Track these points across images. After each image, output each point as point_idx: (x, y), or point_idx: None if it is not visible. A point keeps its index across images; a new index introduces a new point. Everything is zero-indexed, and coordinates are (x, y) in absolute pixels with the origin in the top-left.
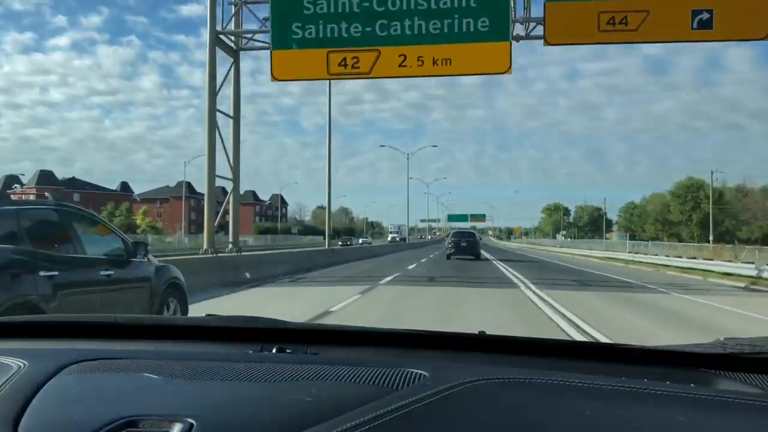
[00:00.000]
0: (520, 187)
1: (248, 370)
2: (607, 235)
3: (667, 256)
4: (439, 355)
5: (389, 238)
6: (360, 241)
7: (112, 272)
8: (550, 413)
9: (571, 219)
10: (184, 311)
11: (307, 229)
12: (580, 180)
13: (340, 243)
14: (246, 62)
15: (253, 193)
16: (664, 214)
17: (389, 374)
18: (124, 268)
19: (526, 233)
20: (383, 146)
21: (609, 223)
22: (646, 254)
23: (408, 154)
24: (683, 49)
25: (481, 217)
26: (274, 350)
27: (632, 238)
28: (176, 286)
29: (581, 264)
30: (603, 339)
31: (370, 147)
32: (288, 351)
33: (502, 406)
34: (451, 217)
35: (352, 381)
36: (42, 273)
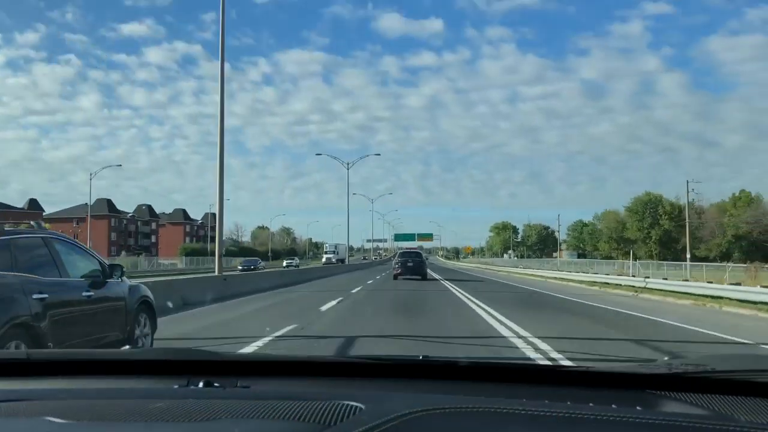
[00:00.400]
0: (464, 207)
1: (169, 408)
2: (555, 254)
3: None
4: (378, 384)
5: (324, 260)
6: (284, 263)
7: (92, 293)
8: None
9: (519, 237)
10: (153, 326)
11: (243, 251)
12: (523, 200)
13: (239, 267)
14: (189, 82)
15: (184, 212)
16: (619, 232)
17: (323, 408)
18: (101, 289)
19: (473, 253)
20: (320, 154)
21: (555, 241)
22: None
23: (348, 164)
24: (618, 74)
25: (429, 237)
26: (200, 384)
27: (582, 256)
28: (147, 304)
29: (559, 290)
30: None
31: (317, 167)
32: (216, 384)
33: None
34: (398, 237)
35: (283, 417)
36: (35, 296)
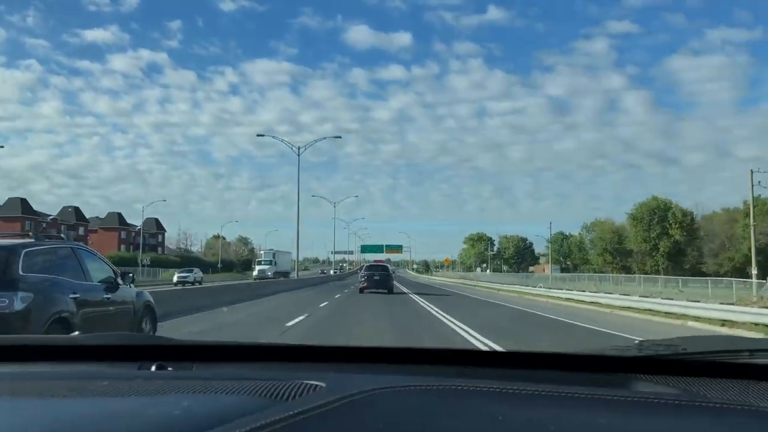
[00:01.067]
0: (433, 221)
1: (115, 387)
2: (532, 269)
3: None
4: (340, 367)
5: (256, 273)
6: (175, 278)
7: (108, 295)
8: (457, 419)
9: (495, 250)
10: (154, 327)
11: (191, 261)
12: (491, 215)
13: (174, 279)
14: (154, 91)
15: (119, 217)
16: (615, 244)
17: (279, 387)
18: (115, 292)
19: (448, 266)
20: (261, 135)
21: (533, 254)
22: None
23: (298, 147)
24: (583, 91)
25: (398, 249)
26: (153, 368)
27: (566, 270)
28: (149, 307)
29: (620, 326)
30: None
31: (284, 179)
32: (169, 369)
33: (405, 413)
34: (365, 248)
35: (234, 393)
36: (70, 295)
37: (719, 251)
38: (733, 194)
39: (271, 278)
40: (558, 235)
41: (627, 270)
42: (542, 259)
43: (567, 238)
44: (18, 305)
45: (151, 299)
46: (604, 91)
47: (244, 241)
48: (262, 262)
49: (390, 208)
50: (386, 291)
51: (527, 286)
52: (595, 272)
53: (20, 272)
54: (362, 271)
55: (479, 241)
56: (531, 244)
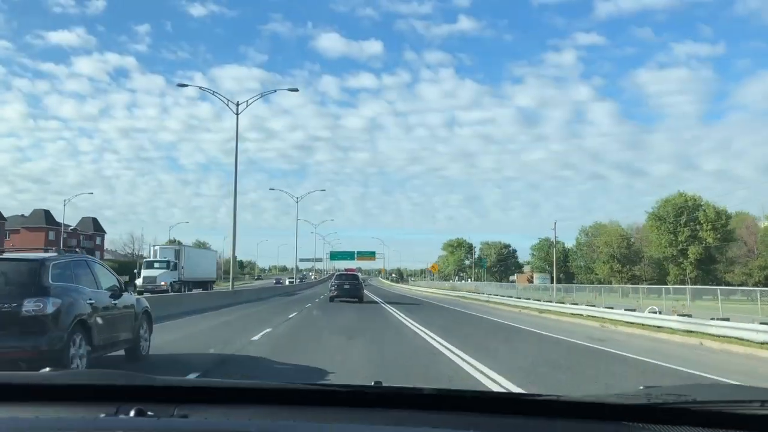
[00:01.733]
0: (404, 229)
1: None
2: (514, 278)
3: None
4: (334, 414)
5: (140, 281)
6: None
7: (115, 302)
8: None
9: (475, 257)
10: (150, 330)
11: (129, 267)
12: (461, 223)
13: None
14: (121, 95)
15: (46, 215)
16: (622, 250)
17: None
18: (119, 299)
19: (413, 274)
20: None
21: (516, 261)
22: None
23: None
24: (551, 102)
25: (370, 255)
26: (132, 413)
27: (559, 280)
28: (147, 313)
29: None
30: None
31: (254, 186)
32: (150, 413)
33: None
34: (334, 255)
35: None
36: (88, 300)
37: (747, 259)
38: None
39: (165, 290)
40: (544, 242)
41: (635, 280)
42: (526, 268)
43: (553, 245)
44: (50, 309)
45: (148, 305)
46: (572, 102)
47: (201, 245)
48: (155, 265)
49: (361, 216)
50: (357, 300)
51: (526, 298)
52: (600, 282)
53: (50, 281)
54: (332, 280)
55: (459, 247)
56: (514, 251)
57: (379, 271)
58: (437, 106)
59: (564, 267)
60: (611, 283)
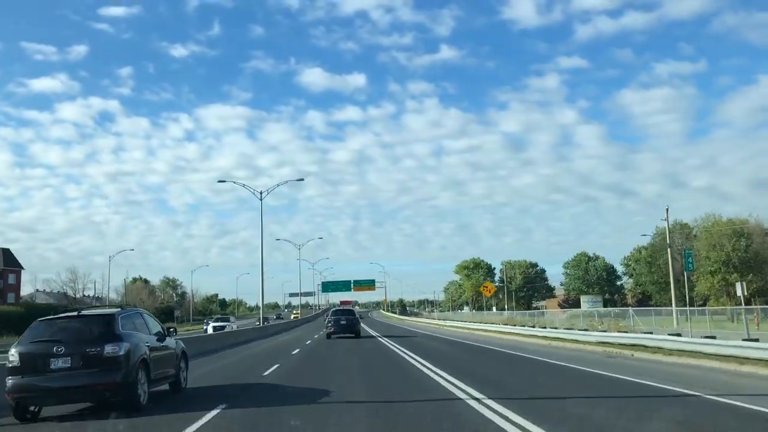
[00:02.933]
0: (396, 261)
1: None
2: (544, 304)
3: None
4: None
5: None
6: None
7: (161, 344)
8: None
9: (496, 279)
10: (186, 365)
11: (42, 311)
12: (453, 252)
13: None
14: (107, 140)
15: None
16: (740, 253)
17: None
18: (164, 342)
19: (412, 305)
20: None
21: (547, 284)
22: None
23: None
24: (538, 127)
25: (369, 285)
26: None
27: (612, 304)
28: (184, 352)
29: None
30: None
31: (244, 224)
32: None
33: None
34: (327, 286)
35: None
36: (146, 344)
37: None
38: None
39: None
40: (581, 257)
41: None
42: (559, 290)
43: (593, 260)
44: (122, 351)
45: (185, 347)
46: (558, 126)
47: (169, 283)
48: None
49: (353, 250)
50: (353, 335)
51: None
52: (703, 302)
53: (120, 330)
54: (328, 317)
55: (476, 269)
56: (543, 271)
57: (378, 304)
58: (424, 136)
59: (608, 287)
60: (709, 303)
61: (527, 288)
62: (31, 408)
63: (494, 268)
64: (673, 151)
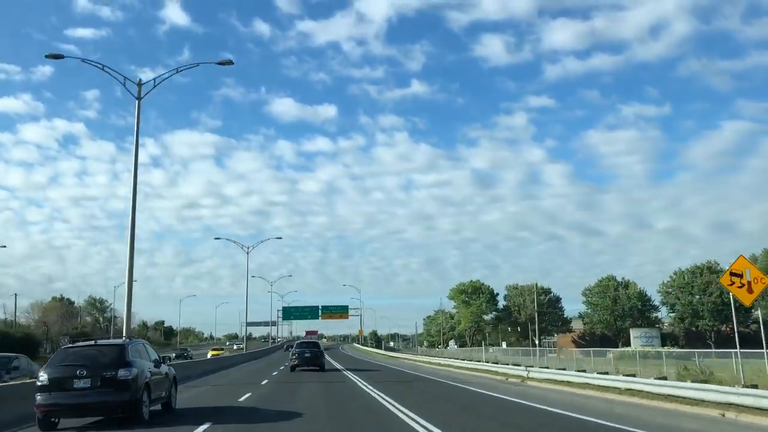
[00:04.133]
0: (364, 294)
1: None
2: (554, 339)
3: None
4: None
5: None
6: None
7: (158, 370)
8: None
9: (500, 307)
10: (176, 388)
11: None
12: (420, 287)
13: None
14: (71, 162)
15: None
16: None
17: None
18: (159, 368)
19: (391, 339)
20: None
21: (563, 316)
22: None
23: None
24: (506, 164)
25: (341, 312)
26: None
27: (671, 341)
28: (174, 377)
29: None
30: None
31: (209, 253)
32: None
33: None
34: (288, 313)
35: None
36: (149, 369)
37: None
38: (652, 264)
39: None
40: (607, 281)
41: None
42: (575, 323)
43: (623, 285)
44: (132, 375)
45: (175, 373)
46: (526, 164)
47: (96, 303)
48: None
49: (321, 282)
50: (318, 368)
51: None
52: None
53: (130, 357)
54: (293, 349)
55: (476, 294)
56: (558, 298)
57: (345, 337)
58: (393, 169)
59: (642, 320)
60: None
61: (542, 319)
62: (53, 420)
63: (497, 294)
64: (638, 192)
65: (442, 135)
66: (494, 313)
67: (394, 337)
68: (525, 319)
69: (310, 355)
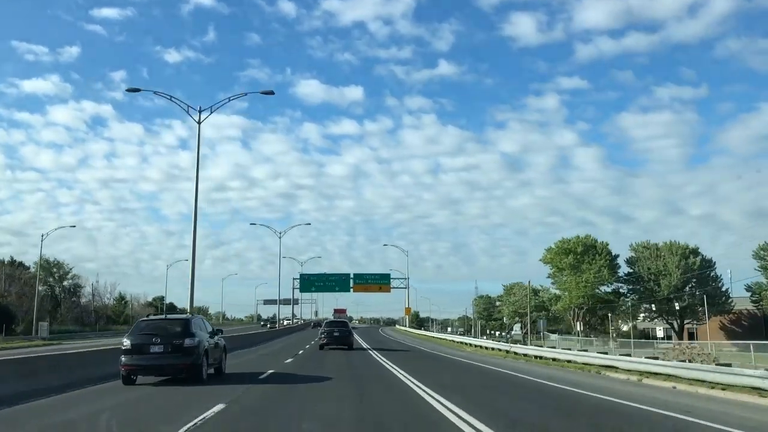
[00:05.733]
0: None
1: None
2: (697, 327)
3: None
4: None
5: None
6: None
7: (213, 340)
8: None
9: (621, 273)
10: (225, 355)
11: None
12: (448, 271)
13: None
14: (99, 144)
15: None
16: None
17: None
18: (213, 339)
19: (422, 322)
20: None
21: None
22: None
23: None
24: (536, 148)
25: (382, 283)
26: None
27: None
28: (225, 348)
29: None
30: None
31: (238, 235)
32: None
33: None
34: (309, 283)
35: None
36: (206, 339)
37: None
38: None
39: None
40: None
41: None
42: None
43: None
44: (195, 343)
45: (225, 343)
46: (556, 147)
47: (52, 269)
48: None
49: (349, 266)
50: (347, 347)
51: None
52: None
53: (193, 329)
54: (322, 328)
55: (588, 255)
56: (710, 262)
57: (377, 320)
58: (421, 153)
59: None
60: None
61: (692, 290)
62: (132, 377)
63: (617, 256)
64: (672, 177)
65: (470, 117)
66: (612, 285)
67: (432, 321)
68: (667, 292)
69: (339, 335)
